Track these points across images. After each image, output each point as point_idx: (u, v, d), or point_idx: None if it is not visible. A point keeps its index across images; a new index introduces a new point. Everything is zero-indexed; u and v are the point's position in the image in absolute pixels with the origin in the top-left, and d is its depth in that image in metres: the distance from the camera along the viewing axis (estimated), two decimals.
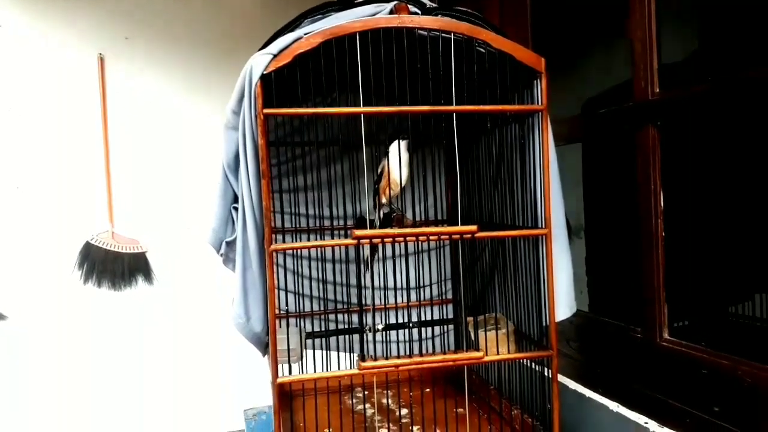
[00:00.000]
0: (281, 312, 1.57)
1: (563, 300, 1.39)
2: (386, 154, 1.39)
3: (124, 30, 2.67)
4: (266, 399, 2.27)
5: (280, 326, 1.51)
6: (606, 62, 1.85)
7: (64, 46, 2.58)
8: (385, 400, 1.65)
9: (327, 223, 1.72)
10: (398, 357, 1.28)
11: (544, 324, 1.37)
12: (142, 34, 2.69)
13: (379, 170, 1.43)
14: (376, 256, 1.60)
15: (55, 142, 2.58)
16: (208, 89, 2.73)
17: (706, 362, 1.32)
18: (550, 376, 1.34)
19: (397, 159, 1.36)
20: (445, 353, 1.31)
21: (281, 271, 1.64)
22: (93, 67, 2.62)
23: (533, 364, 1.43)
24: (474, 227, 1.26)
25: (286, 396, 1.60)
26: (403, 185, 1.41)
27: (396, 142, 1.37)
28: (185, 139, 2.73)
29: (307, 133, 1.63)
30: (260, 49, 1.21)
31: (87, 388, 2.60)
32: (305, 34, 1.18)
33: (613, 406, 1.56)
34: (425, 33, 1.22)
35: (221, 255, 1.45)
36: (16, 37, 2.52)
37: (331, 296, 1.71)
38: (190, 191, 2.71)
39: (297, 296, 1.65)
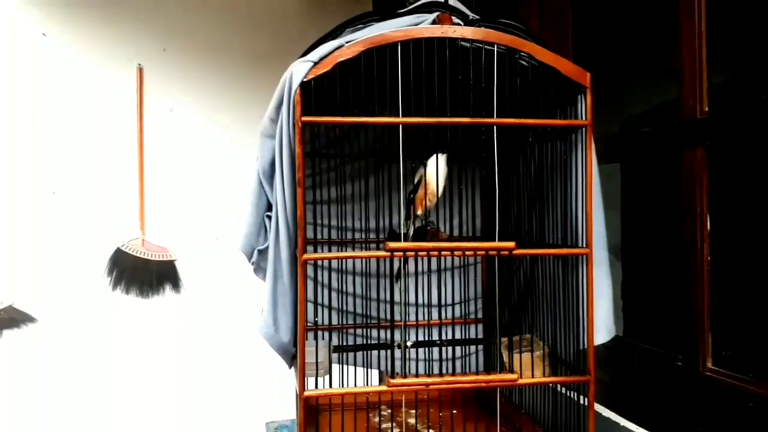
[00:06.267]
0: (310, 324, 1.55)
1: (602, 323, 1.34)
2: (424, 165, 1.37)
3: (163, 42, 2.72)
4: (289, 412, 2.24)
5: (308, 339, 1.49)
6: (651, 81, 1.80)
7: (104, 56, 2.64)
8: (411, 420, 1.61)
9: (358, 236, 1.69)
10: (428, 375, 1.24)
11: (580, 348, 1.32)
12: (180, 46, 2.74)
13: (416, 180, 1.41)
14: (406, 271, 1.57)
15: (92, 149, 2.62)
16: (242, 101, 2.76)
17: (753, 394, 1.25)
18: (586, 402, 1.29)
19: (436, 169, 1.33)
20: (477, 374, 1.27)
21: (310, 282, 1.62)
22: (131, 78, 2.67)
23: (567, 390, 1.37)
24: (512, 244, 1.22)
25: (311, 410, 1.57)
26: (438, 196, 1.38)
27: (435, 154, 1.34)
28: (218, 150, 2.75)
29: (343, 146, 1.62)
30: (300, 57, 1.20)
31: (109, 395, 2.60)
32: (346, 42, 1.17)
33: None
34: (467, 44, 1.20)
35: (252, 263, 1.44)
36: (58, 45, 2.59)
37: (359, 310, 1.68)
38: (221, 202, 2.72)
39: (324, 309, 1.62)
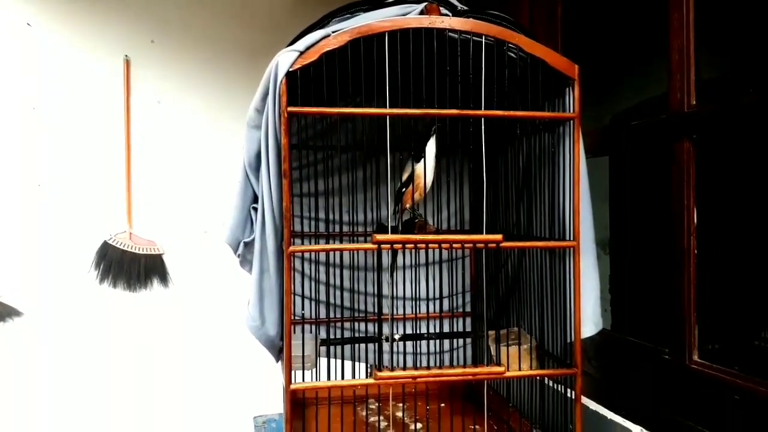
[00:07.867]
0: (297, 317, 1.54)
1: (589, 316, 1.34)
2: (413, 158, 1.36)
3: (150, 33, 2.69)
4: (277, 406, 2.23)
5: (295, 332, 1.48)
6: (639, 74, 1.80)
7: (90, 46, 2.60)
8: (399, 413, 1.61)
9: (346, 228, 1.68)
10: (415, 369, 1.24)
11: (568, 341, 1.32)
12: (168, 38, 2.70)
13: (405, 175, 1.40)
14: (394, 265, 1.56)
15: (78, 141, 2.58)
16: (230, 93, 2.73)
17: (739, 387, 1.26)
18: (573, 395, 1.29)
19: (429, 160, 1.32)
20: (464, 367, 1.27)
21: (297, 276, 1.61)
22: (119, 69, 2.63)
23: (554, 383, 1.37)
24: (499, 236, 1.22)
25: (298, 404, 1.56)
26: (427, 190, 1.38)
27: (429, 137, 1.33)
28: (206, 143, 2.72)
29: (330, 138, 1.61)
30: (286, 47, 1.19)
31: (95, 389, 2.58)
32: (333, 32, 1.16)
33: (637, 430, 1.50)
34: (455, 35, 1.19)
35: (238, 256, 1.42)
36: (44, 36, 2.55)
37: (347, 304, 1.67)
38: (209, 195, 2.70)
39: (312, 302, 1.61)
